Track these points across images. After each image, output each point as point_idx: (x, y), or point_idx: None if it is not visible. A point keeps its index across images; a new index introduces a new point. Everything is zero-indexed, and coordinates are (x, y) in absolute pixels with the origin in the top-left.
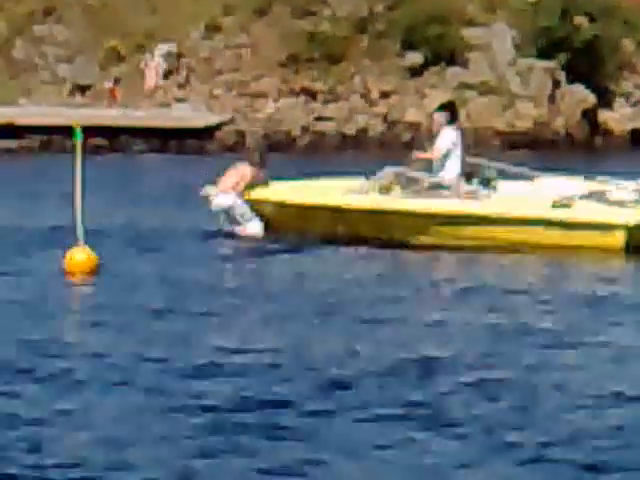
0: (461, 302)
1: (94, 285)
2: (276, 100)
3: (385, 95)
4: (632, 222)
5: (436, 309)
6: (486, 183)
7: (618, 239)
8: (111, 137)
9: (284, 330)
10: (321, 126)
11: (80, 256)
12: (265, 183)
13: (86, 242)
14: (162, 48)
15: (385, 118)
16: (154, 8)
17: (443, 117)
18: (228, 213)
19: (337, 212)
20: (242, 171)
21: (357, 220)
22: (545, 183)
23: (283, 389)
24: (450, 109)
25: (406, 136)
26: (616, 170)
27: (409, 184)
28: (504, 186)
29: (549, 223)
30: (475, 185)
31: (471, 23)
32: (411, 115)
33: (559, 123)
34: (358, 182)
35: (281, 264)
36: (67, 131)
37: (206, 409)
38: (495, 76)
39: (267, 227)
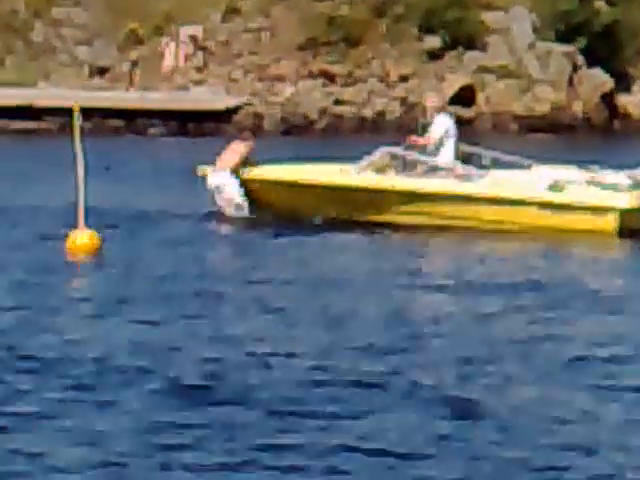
0: (457, 291)
1: (95, 267)
2: (294, 83)
3: (404, 78)
4: (625, 205)
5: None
6: (482, 169)
7: (611, 222)
8: (128, 119)
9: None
10: (339, 109)
11: (83, 238)
12: (257, 163)
13: (91, 224)
14: (187, 29)
15: (403, 101)
16: None
17: (435, 104)
18: (220, 191)
19: (330, 190)
20: (236, 148)
21: (350, 199)
22: (540, 171)
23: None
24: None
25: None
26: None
27: (404, 166)
28: (499, 173)
29: (543, 205)
30: (470, 168)
31: (490, 7)
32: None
33: (577, 107)
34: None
35: (280, 248)
36: (84, 114)
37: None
38: (514, 60)
39: (260, 206)
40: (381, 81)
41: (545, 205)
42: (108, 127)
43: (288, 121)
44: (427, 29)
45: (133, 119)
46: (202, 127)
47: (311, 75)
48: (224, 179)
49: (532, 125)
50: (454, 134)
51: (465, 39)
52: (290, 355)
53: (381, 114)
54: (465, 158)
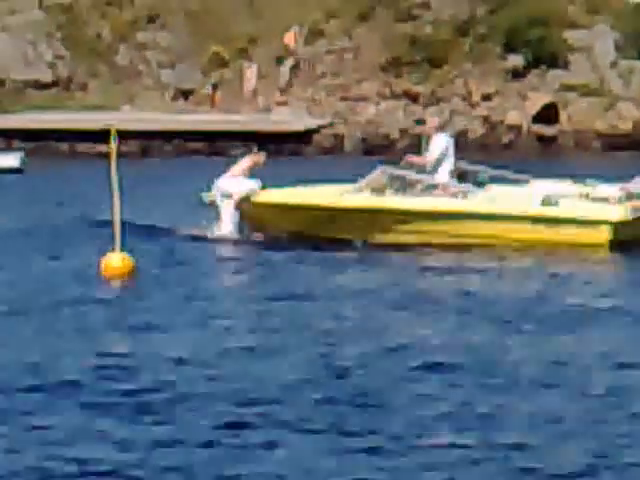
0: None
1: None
2: (377, 104)
3: (486, 97)
4: (617, 218)
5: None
6: (478, 186)
7: (603, 235)
8: (210, 141)
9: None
10: (420, 129)
11: (116, 261)
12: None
13: (128, 246)
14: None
15: (486, 120)
16: (257, 13)
17: (435, 124)
18: (227, 196)
19: (330, 212)
20: (242, 162)
21: (348, 220)
22: (536, 185)
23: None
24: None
25: (507, 138)
26: None
27: (402, 186)
28: (495, 189)
29: (536, 219)
30: (467, 185)
31: (572, 25)
32: (512, 117)
33: None
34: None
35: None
36: (163, 137)
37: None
38: (596, 78)
39: (264, 229)
40: (464, 100)
41: (538, 220)
42: (189, 149)
43: (369, 141)
44: (510, 48)
45: (214, 141)
46: (282, 148)
47: (394, 95)
48: (229, 183)
49: (615, 143)
50: (452, 153)
51: (548, 57)
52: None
53: (463, 133)
54: (463, 176)
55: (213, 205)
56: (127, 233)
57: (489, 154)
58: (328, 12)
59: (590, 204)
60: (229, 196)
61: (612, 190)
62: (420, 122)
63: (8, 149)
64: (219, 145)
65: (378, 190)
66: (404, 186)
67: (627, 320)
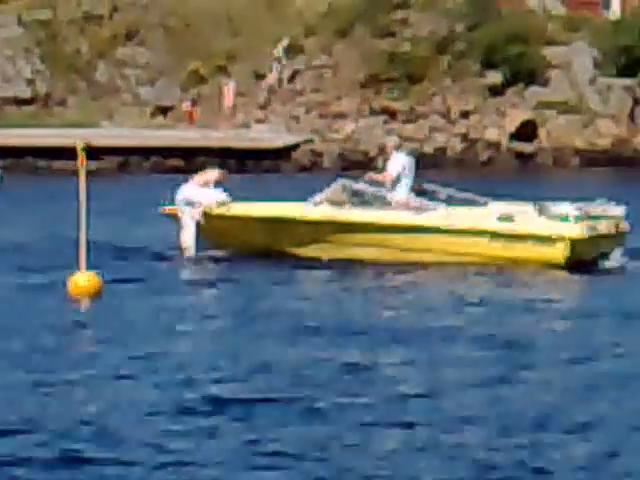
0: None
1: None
2: (355, 120)
3: (465, 114)
4: (573, 235)
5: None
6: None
7: (559, 252)
8: (188, 158)
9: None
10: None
11: (82, 280)
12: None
13: (97, 264)
14: (283, 44)
15: (465, 137)
16: (236, 30)
17: (393, 143)
18: (191, 204)
19: (287, 224)
20: (208, 174)
21: (307, 233)
22: (495, 207)
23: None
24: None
25: (485, 155)
26: None
27: (361, 200)
28: (455, 208)
29: (493, 235)
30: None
31: (551, 42)
32: (491, 134)
33: (639, 140)
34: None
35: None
36: (141, 153)
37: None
38: (575, 95)
39: (225, 242)
40: (443, 117)
41: (496, 235)
42: (167, 166)
43: (347, 158)
44: (489, 65)
45: (191, 158)
46: (260, 165)
47: (372, 112)
48: (195, 192)
49: (593, 159)
50: (411, 171)
51: (526, 74)
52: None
53: (442, 150)
54: (421, 194)
55: (171, 216)
56: (95, 251)
57: (467, 171)
58: (307, 29)
59: (547, 221)
60: (193, 204)
61: (570, 208)
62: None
63: None
64: (197, 161)
65: (337, 203)
66: (363, 200)
67: (580, 334)
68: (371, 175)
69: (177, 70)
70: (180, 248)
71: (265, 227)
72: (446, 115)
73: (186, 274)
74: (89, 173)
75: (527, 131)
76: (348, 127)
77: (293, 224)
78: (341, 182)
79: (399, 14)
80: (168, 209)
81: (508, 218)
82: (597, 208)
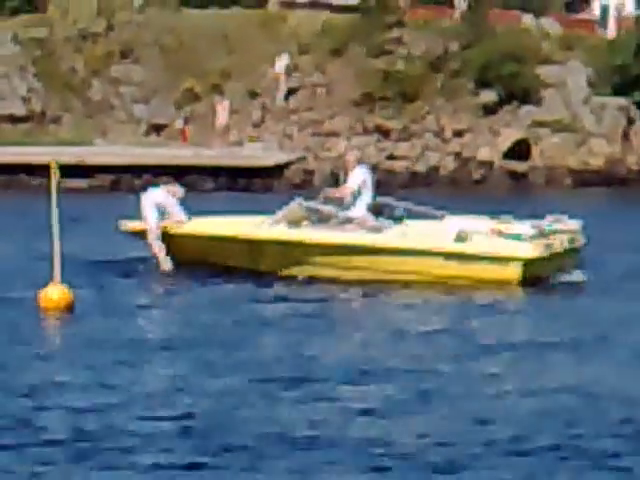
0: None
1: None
2: (348, 139)
3: (458, 133)
4: (528, 255)
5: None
6: (395, 221)
7: (514, 272)
8: (179, 176)
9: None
10: (391, 164)
11: (54, 293)
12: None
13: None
14: (283, 59)
15: (457, 156)
16: (231, 48)
17: (354, 157)
18: (161, 209)
19: (243, 243)
20: (176, 187)
21: (263, 252)
22: (451, 221)
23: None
24: None
25: (478, 174)
26: None
27: (318, 218)
28: (412, 224)
29: (448, 255)
30: (382, 220)
31: (546, 61)
32: (484, 153)
33: (632, 160)
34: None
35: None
36: (135, 171)
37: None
38: (569, 114)
39: (185, 259)
40: (436, 136)
41: (450, 256)
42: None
43: (338, 176)
44: (483, 84)
45: (183, 176)
46: (252, 183)
47: (366, 130)
48: (164, 198)
49: (586, 179)
50: (370, 186)
51: (520, 93)
52: None
53: (435, 169)
54: (379, 209)
55: (130, 233)
56: (68, 267)
57: (460, 190)
58: (301, 47)
59: (502, 241)
60: (161, 209)
61: (524, 227)
62: None
63: None
64: (189, 179)
65: (294, 222)
66: (320, 219)
67: (537, 353)
68: (330, 190)
69: (172, 88)
70: (156, 262)
71: (221, 246)
72: (439, 134)
73: (155, 290)
74: (82, 191)
75: (520, 150)
76: (340, 145)
77: (249, 244)
78: (298, 201)
79: (394, 33)
80: (130, 226)
81: (464, 238)
82: (553, 224)
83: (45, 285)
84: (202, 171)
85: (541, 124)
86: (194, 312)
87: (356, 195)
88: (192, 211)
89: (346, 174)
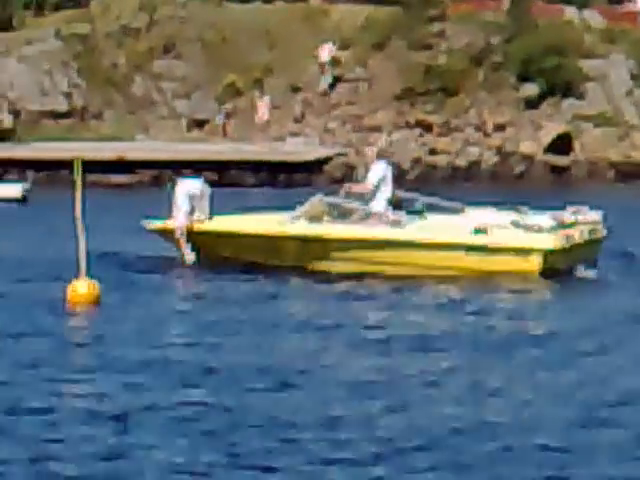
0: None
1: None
2: (390, 133)
3: (500, 127)
4: (548, 247)
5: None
6: (415, 215)
7: (534, 263)
8: (221, 171)
9: None
10: (432, 159)
11: (82, 288)
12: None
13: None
14: (327, 49)
15: (499, 150)
16: (272, 43)
17: (373, 152)
18: (198, 196)
19: (265, 239)
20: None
21: (287, 248)
22: (471, 214)
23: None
24: None
25: (519, 168)
26: None
27: (339, 213)
28: (432, 218)
29: (469, 248)
30: (402, 214)
31: (588, 54)
32: (526, 147)
33: None
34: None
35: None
36: (176, 166)
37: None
38: (611, 107)
39: (210, 257)
40: (478, 130)
41: (471, 248)
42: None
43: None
44: (525, 77)
45: (225, 171)
46: (292, 178)
47: (407, 125)
48: (199, 188)
49: (628, 172)
50: (390, 181)
51: (563, 87)
52: None
53: (476, 163)
54: (400, 204)
55: (156, 233)
56: (98, 262)
57: (501, 184)
58: (343, 42)
59: (522, 233)
60: (193, 201)
61: (544, 219)
62: None
63: (18, 179)
64: (232, 174)
65: (315, 218)
66: (341, 214)
67: (557, 346)
68: (350, 186)
69: (213, 83)
70: (181, 257)
71: (244, 242)
72: (481, 128)
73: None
74: (124, 186)
75: (562, 144)
76: (382, 140)
77: (270, 240)
78: (319, 197)
79: (436, 27)
80: (154, 225)
81: (483, 231)
82: (573, 216)
83: (73, 280)
84: (243, 166)
85: (583, 117)
86: (218, 308)
87: (376, 190)
88: (231, 206)
89: (366, 170)
